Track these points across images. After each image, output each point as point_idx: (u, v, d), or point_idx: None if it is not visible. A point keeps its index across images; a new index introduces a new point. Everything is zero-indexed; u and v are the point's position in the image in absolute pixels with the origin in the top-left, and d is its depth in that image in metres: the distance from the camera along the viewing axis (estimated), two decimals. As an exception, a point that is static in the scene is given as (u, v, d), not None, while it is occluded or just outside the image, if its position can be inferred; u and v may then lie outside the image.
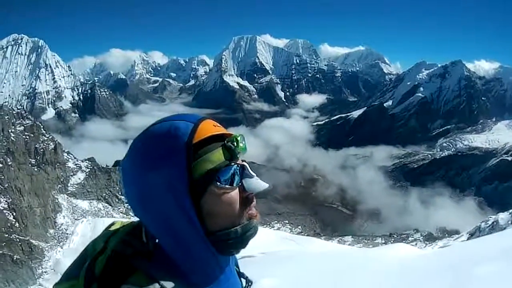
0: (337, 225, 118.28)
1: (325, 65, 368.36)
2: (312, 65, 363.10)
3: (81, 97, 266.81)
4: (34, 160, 59.19)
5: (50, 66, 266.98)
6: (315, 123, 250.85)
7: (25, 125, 61.74)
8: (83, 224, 55.00)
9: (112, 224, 1.25)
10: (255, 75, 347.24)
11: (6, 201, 47.95)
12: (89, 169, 68.03)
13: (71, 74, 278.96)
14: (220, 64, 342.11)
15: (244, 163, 1.11)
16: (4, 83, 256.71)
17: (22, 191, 51.92)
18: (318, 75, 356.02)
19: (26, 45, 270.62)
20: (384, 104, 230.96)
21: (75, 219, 56.53)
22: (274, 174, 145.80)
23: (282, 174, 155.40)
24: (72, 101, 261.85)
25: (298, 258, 13.24)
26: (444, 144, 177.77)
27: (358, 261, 10.23)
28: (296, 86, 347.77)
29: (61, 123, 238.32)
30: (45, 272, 45.57)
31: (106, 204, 66.03)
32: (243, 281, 1.33)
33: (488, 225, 46.90)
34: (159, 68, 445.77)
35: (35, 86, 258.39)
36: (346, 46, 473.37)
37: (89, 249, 1.16)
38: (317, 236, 77.40)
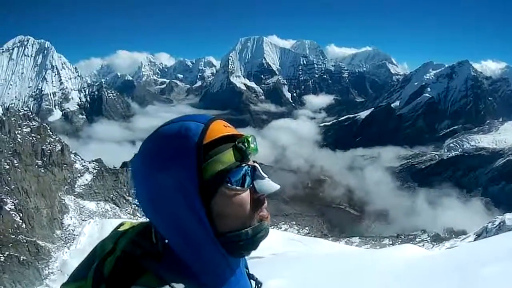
0: (344, 226, 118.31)
1: (332, 65, 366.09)
2: (319, 66, 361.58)
3: (88, 99, 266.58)
4: (40, 162, 59.61)
5: (57, 68, 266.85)
6: (322, 124, 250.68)
7: (31, 127, 62.17)
8: (90, 225, 55.36)
9: (121, 224, 1.24)
10: (262, 76, 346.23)
11: (13, 202, 48.34)
12: (96, 170, 68.48)
13: (78, 75, 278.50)
14: (227, 65, 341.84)
15: (255, 164, 1.11)
16: (11, 84, 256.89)
17: (29, 192, 52.33)
18: (325, 76, 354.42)
19: (32, 46, 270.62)
20: (392, 105, 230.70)
21: (82, 220, 56.91)
22: (281, 175, 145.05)
23: (290, 175, 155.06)
24: (79, 102, 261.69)
25: (306, 259, 13.33)
26: (451, 145, 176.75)
27: (365, 262, 10.28)
28: (303, 87, 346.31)
29: (68, 124, 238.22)
30: (52, 273, 45.96)
31: (114, 205, 66.39)
32: (253, 283, 1.32)
33: (495, 225, 46.91)
34: (166, 70, 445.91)
35: (41, 87, 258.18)
36: (353, 46, 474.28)
37: (98, 249, 1.16)
38: (325, 237, 77.59)
